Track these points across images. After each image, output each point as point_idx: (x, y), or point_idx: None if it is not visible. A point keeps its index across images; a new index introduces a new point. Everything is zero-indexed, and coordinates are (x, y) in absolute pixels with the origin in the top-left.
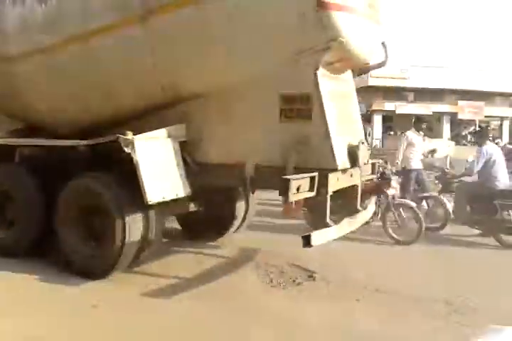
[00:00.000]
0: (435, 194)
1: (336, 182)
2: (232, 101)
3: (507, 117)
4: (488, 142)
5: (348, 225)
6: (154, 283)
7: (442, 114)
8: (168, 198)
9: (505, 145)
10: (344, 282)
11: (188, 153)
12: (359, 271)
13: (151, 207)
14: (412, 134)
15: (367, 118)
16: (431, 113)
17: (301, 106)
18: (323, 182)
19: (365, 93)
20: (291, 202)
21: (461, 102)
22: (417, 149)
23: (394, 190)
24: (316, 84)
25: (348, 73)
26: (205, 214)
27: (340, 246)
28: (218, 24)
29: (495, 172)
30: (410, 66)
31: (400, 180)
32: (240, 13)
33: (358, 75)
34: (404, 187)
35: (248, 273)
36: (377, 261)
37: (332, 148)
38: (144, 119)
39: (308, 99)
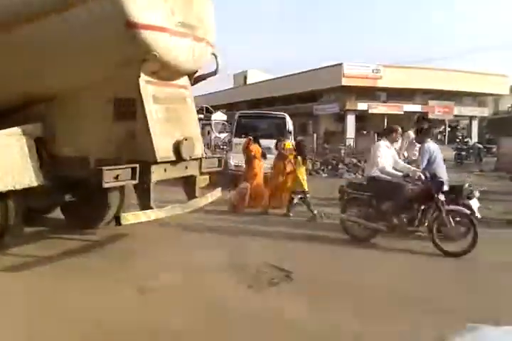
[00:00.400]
0: None
1: (163, 172)
2: (78, 103)
3: (475, 117)
4: (429, 140)
5: (174, 209)
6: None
7: (414, 113)
8: (19, 187)
9: (474, 144)
10: (322, 282)
11: (44, 147)
12: (337, 272)
13: (9, 196)
14: (413, 134)
15: (340, 118)
16: (403, 112)
17: (129, 109)
18: (146, 172)
19: (339, 93)
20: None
21: (431, 102)
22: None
23: (443, 194)
24: (138, 90)
25: (185, 79)
26: (82, 204)
27: (324, 249)
28: (58, 39)
29: (436, 168)
30: (383, 66)
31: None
32: (75, 29)
33: (195, 82)
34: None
35: (224, 273)
36: (357, 261)
37: (152, 144)
38: (8, 118)
39: (133, 103)
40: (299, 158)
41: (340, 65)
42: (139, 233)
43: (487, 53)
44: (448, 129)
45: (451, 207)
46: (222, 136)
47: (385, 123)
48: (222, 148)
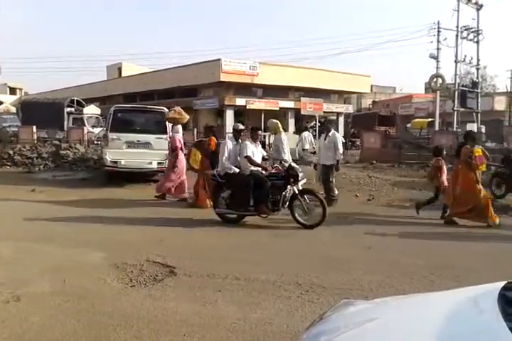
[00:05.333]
0: None
1: None
2: None
3: (341, 113)
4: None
5: None
6: None
7: (288, 109)
8: None
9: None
10: (205, 274)
11: None
12: (219, 262)
13: None
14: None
15: (219, 113)
16: (278, 108)
17: None
18: None
19: (218, 88)
20: None
21: (303, 99)
22: None
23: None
24: None
25: None
26: None
27: (203, 241)
28: None
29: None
30: (259, 63)
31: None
32: None
33: None
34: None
35: (104, 274)
36: (236, 252)
37: None
38: None
39: None
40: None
41: (218, 60)
42: None
43: (354, 55)
44: (318, 124)
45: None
46: (96, 130)
47: (262, 119)
48: (97, 144)
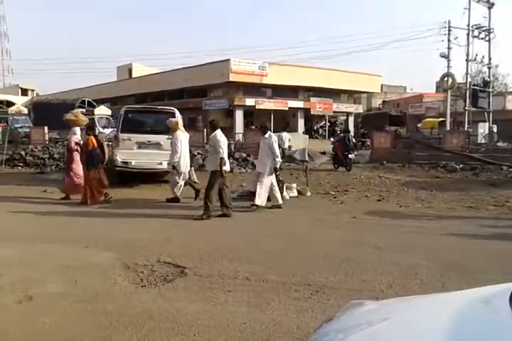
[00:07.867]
0: None
1: None
2: None
3: (351, 113)
4: None
5: None
6: None
7: (297, 109)
8: None
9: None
10: (215, 275)
11: None
12: (229, 262)
13: None
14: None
15: (229, 113)
16: (287, 108)
17: None
18: None
19: (227, 88)
20: None
21: (313, 99)
22: None
23: None
24: None
25: None
26: None
27: (213, 242)
28: None
29: None
30: (268, 63)
31: None
32: None
33: None
34: None
35: (115, 274)
36: (246, 252)
37: None
38: None
39: None
40: None
41: (228, 60)
42: None
43: (364, 54)
44: (328, 124)
45: None
46: (107, 131)
47: (272, 119)
48: (108, 144)
